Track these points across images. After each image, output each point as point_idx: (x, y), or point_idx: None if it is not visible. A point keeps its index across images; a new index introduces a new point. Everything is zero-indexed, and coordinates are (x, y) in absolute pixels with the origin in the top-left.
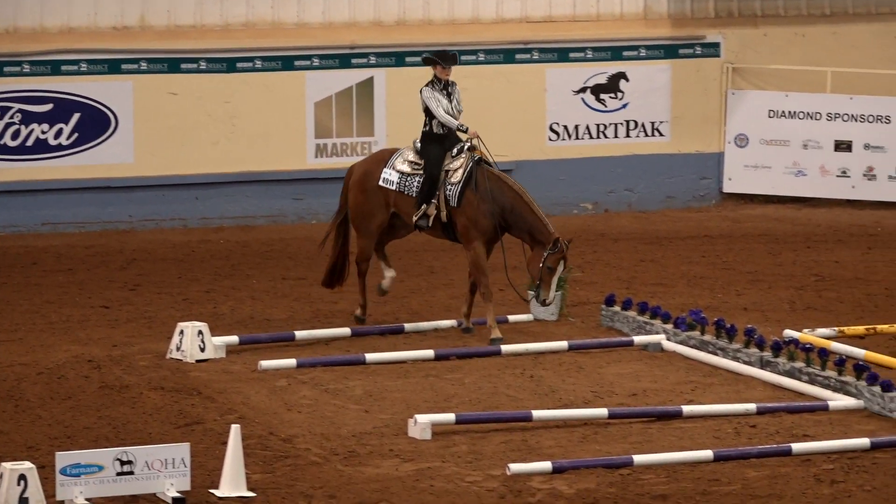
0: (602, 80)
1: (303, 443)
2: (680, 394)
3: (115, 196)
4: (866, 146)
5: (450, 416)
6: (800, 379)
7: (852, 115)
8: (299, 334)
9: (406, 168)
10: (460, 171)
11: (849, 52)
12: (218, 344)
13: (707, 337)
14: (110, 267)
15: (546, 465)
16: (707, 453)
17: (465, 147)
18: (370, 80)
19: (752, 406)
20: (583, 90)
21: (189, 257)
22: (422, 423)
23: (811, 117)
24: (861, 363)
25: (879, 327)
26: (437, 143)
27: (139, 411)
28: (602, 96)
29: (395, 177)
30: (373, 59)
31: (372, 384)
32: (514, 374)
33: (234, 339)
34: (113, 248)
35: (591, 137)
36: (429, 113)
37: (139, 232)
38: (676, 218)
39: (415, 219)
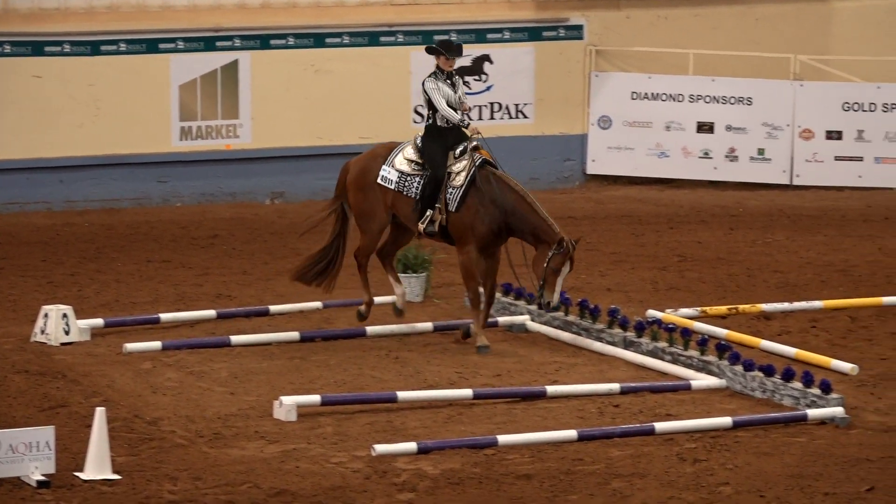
0: (466, 62)
1: (168, 425)
2: (544, 374)
3: None
4: (728, 127)
5: (315, 398)
6: (663, 359)
7: (714, 97)
8: (164, 317)
9: (406, 168)
10: (463, 174)
11: (711, 34)
12: (83, 327)
13: (571, 317)
14: None
15: (411, 446)
16: (571, 433)
17: (469, 147)
18: (235, 63)
19: (615, 386)
20: None
21: (54, 240)
22: (287, 405)
23: (674, 99)
24: (723, 343)
25: (741, 307)
26: (440, 139)
27: (3, 395)
28: (466, 78)
29: (394, 175)
30: (237, 42)
31: (237, 366)
32: (380, 356)
33: (98, 321)
34: None
35: None
36: (431, 105)
37: (3, 215)
38: (540, 199)
39: (422, 227)
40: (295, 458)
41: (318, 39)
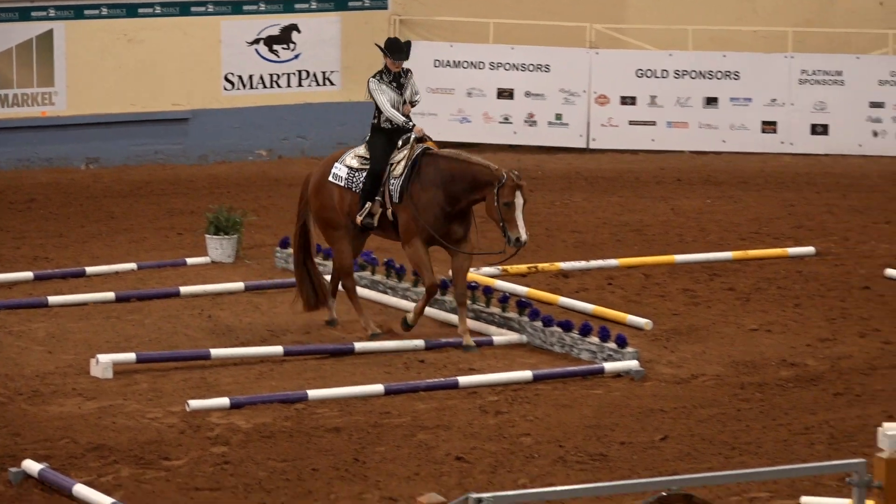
0: (275, 31)
1: None
2: (352, 331)
3: None
4: (527, 94)
5: (130, 356)
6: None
7: (513, 65)
8: None
9: (354, 163)
10: (402, 163)
11: (510, 4)
12: None
13: (378, 277)
14: None
15: (224, 402)
16: (378, 387)
17: (412, 138)
18: (49, 33)
19: (420, 342)
20: (256, 41)
21: None
22: (103, 363)
23: (475, 66)
24: (523, 300)
25: (540, 265)
26: (385, 136)
27: None
28: (275, 47)
29: (343, 172)
30: (52, 13)
31: (55, 326)
32: (193, 315)
33: None
34: None
35: (265, 87)
36: (377, 106)
37: None
38: None
39: (359, 218)
40: (112, 413)
41: (130, 9)
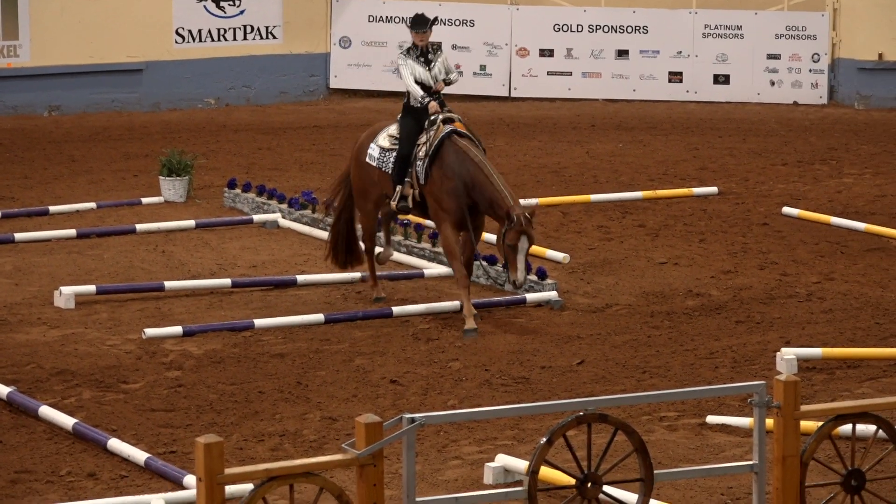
0: None
1: None
2: (295, 265)
3: None
4: (454, 46)
5: (91, 288)
6: (399, 251)
7: (441, 20)
8: None
9: (386, 143)
10: (426, 145)
11: None
12: None
13: (317, 215)
14: None
15: (177, 330)
16: (319, 317)
17: (439, 119)
18: None
19: (357, 275)
20: None
21: None
22: (66, 294)
23: (405, 22)
24: None
25: None
26: (413, 116)
27: None
28: (222, 3)
29: (376, 152)
30: None
31: (20, 260)
32: (148, 250)
33: None
34: None
35: (213, 40)
36: None
37: None
38: (289, 111)
39: (394, 204)
40: (74, 341)
41: None
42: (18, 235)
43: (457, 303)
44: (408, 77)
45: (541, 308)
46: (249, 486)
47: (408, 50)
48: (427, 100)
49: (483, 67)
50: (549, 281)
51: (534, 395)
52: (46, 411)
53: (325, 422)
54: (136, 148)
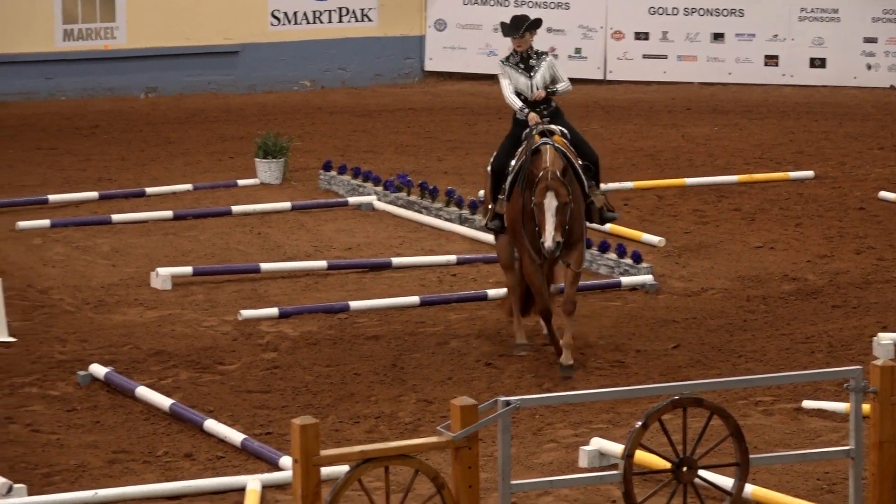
0: None
1: (57, 294)
2: (390, 247)
3: None
4: (549, 29)
5: (188, 269)
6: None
7: (535, 3)
8: (52, 198)
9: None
10: (514, 161)
11: None
12: None
13: (413, 197)
14: None
15: (273, 311)
16: (414, 299)
17: (532, 132)
18: None
19: (452, 257)
20: None
21: None
22: (163, 275)
23: (500, 4)
24: None
25: None
26: (517, 128)
27: None
28: None
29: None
30: None
31: (118, 241)
32: (244, 232)
33: None
34: None
35: (309, 23)
36: None
37: None
38: (384, 93)
39: (486, 222)
40: (171, 322)
41: None
42: (115, 217)
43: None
44: (505, 87)
45: (636, 292)
46: (345, 468)
47: (507, 57)
48: (526, 111)
49: (578, 51)
50: (644, 265)
51: (629, 378)
52: (143, 392)
53: (421, 404)
54: (232, 130)
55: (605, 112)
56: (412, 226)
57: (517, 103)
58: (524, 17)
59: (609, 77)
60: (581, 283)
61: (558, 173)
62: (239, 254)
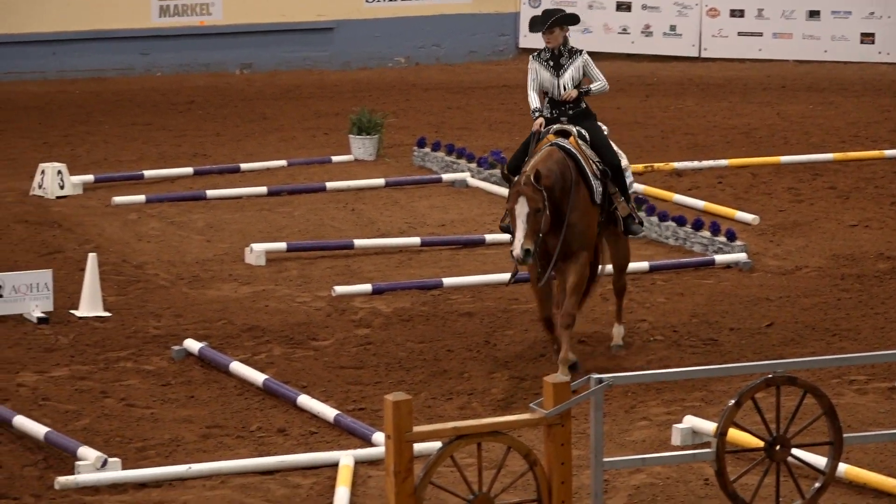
0: None
1: (152, 269)
2: (483, 224)
3: None
4: (643, 7)
5: (282, 245)
6: None
7: None
8: (147, 173)
9: None
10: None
11: None
12: (75, 182)
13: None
14: None
15: (367, 287)
16: (507, 276)
17: (550, 131)
18: None
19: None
20: None
21: (48, 106)
22: (257, 251)
23: None
24: (640, 196)
25: (656, 165)
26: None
27: (6, 242)
28: None
29: None
30: None
31: (212, 217)
32: (338, 208)
33: (89, 177)
34: None
35: None
36: None
37: (2, 83)
38: (478, 70)
39: (500, 223)
40: (264, 297)
41: None
42: (210, 192)
43: (645, 264)
44: (529, 84)
45: (730, 269)
46: (437, 444)
47: (538, 52)
48: (536, 114)
49: (673, 28)
50: (738, 242)
51: (722, 356)
52: (237, 367)
53: (513, 381)
54: (327, 106)
55: (699, 89)
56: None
57: (532, 104)
58: (554, 11)
59: (704, 55)
60: (675, 260)
61: (533, 178)
62: (332, 230)
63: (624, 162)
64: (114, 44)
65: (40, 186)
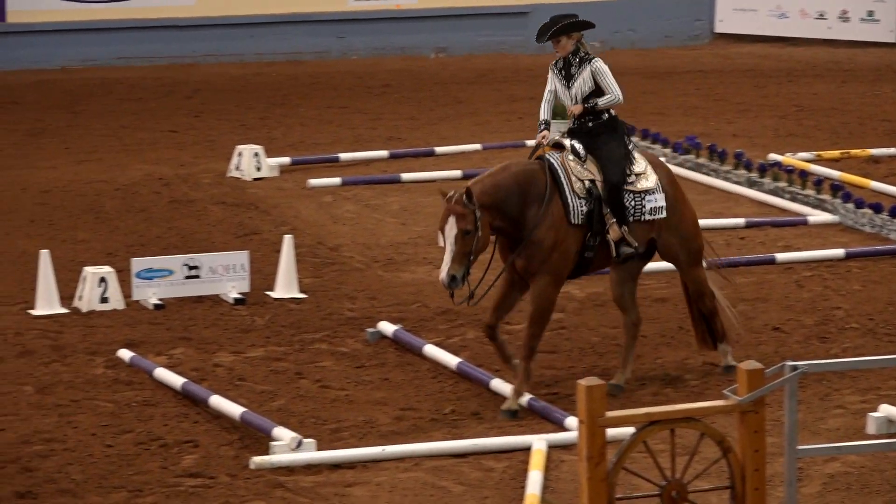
0: None
1: (347, 251)
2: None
3: (180, 34)
4: None
5: None
6: (783, 197)
7: None
8: (343, 156)
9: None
10: None
11: None
12: (272, 164)
13: (701, 160)
14: (177, 96)
15: None
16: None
17: (539, 144)
18: None
19: (741, 220)
20: None
21: (245, 88)
22: None
23: None
24: (836, 183)
25: (852, 151)
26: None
27: (203, 223)
28: None
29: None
30: None
31: (407, 200)
32: None
33: (286, 160)
34: (179, 80)
35: None
36: None
37: (201, 66)
38: (673, 55)
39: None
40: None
41: None
42: (405, 175)
43: (841, 251)
44: (544, 95)
45: None
46: (630, 430)
47: (555, 61)
48: (542, 127)
49: (871, 13)
50: None
51: None
52: (431, 350)
53: (707, 367)
54: (522, 90)
55: None
56: (700, 188)
57: (541, 115)
58: (560, 18)
59: None
60: (872, 247)
61: (465, 196)
62: None
63: (647, 184)
64: (310, 27)
65: (237, 168)
